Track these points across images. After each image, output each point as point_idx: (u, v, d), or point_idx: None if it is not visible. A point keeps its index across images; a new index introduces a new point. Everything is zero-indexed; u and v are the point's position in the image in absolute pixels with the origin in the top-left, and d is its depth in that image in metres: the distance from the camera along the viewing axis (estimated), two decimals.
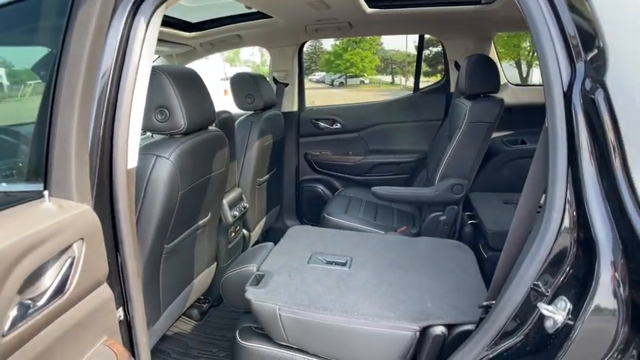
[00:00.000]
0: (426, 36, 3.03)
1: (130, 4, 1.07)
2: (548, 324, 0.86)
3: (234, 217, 2.12)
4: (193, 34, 2.64)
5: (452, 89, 2.79)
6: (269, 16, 2.42)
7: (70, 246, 0.85)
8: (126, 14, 1.07)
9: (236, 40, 2.80)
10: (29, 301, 0.76)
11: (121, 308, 1.18)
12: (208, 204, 1.79)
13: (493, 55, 2.72)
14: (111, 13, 1.04)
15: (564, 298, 0.89)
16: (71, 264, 0.85)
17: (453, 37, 2.75)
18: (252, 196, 2.38)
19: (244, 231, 2.38)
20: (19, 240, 0.73)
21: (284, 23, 2.53)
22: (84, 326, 0.91)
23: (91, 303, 0.93)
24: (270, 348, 1.36)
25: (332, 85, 22.35)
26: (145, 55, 1.14)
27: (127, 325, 1.19)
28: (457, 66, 2.72)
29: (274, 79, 2.93)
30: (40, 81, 1.23)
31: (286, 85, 2.92)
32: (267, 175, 2.58)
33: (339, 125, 3.01)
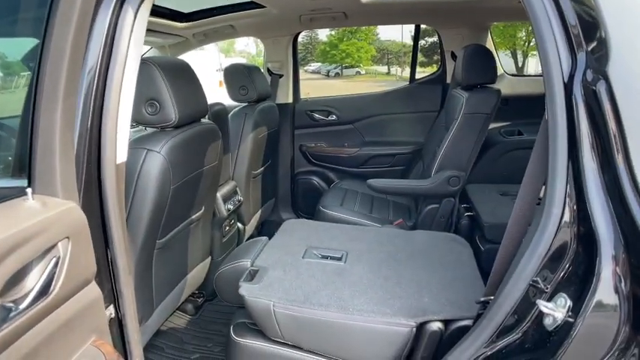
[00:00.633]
0: (422, 26, 2.99)
1: None
2: (548, 321, 0.84)
3: (229, 210, 2.09)
4: (185, 24, 2.58)
5: (448, 80, 2.76)
6: (262, 6, 2.37)
7: (54, 245, 0.82)
8: (113, 3, 1.03)
9: (229, 30, 2.75)
10: (11, 304, 0.74)
11: (112, 306, 1.15)
12: (201, 198, 1.76)
13: (489, 45, 2.68)
14: (96, 3, 1.00)
15: (564, 294, 0.87)
16: (56, 264, 0.82)
17: (449, 27, 2.71)
18: (246, 189, 2.35)
19: (239, 224, 2.35)
20: None
21: (277, 13, 2.48)
22: (71, 327, 0.88)
23: (78, 303, 0.90)
24: (264, 344, 1.34)
25: (328, 75, 22.21)
26: (134, 45, 1.10)
27: (119, 323, 1.17)
28: (453, 56, 2.69)
29: (268, 71, 2.89)
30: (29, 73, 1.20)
31: (281, 76, 2.88)
32: (262, 168, 2.56)
33: (334, 117, 2.98)
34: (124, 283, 1.15)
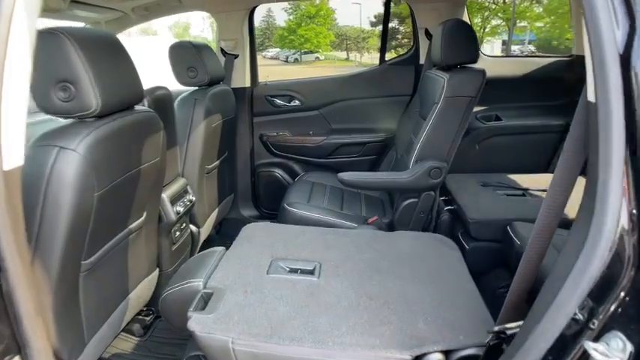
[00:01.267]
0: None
1: None
2: None
3: (178, 213, 1.78)
4: None
5: (422, 61, 2.53)
6: None
7: None
8: None
9: (175, 3, 2.39)
10: None
11: (17, 357, 0.84)
12: (142, 202, 1.45)
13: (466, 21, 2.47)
14: None
15: (620, 335, 0.66)
16: None
17: (423, 1, 2.47)
18: (199, 186, 2.04)
19: (192, 227, 2.05)
20: None
21: None
22: None
23: None
24: None
25: (286, 61, 21.81)
26: (24, 5, 0.78)
27: None
28: (428, 34, 2.46)
29: (222, 50, 2.56)
30: None
31: (236, 56, 2.55)
32: (218, 162, 2.25)
33: (297, 102, 2.69)
34: (30, 327, 0.84)
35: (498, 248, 1.92)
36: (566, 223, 0.92)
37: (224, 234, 2.70)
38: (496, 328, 0.90)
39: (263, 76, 2.77)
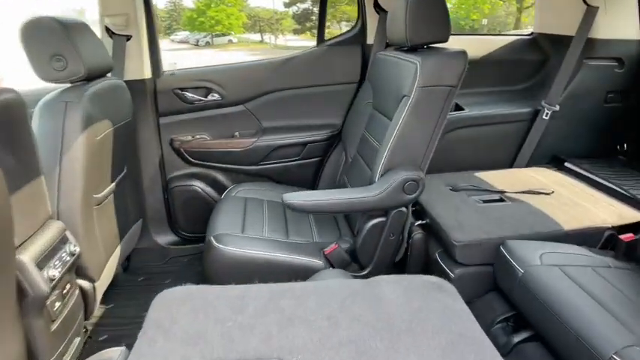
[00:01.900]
0: None
1: None
2: None
3: (53, 279, 1.17)
4: None
5: (370, 40, 2.08)
6: None
7: None
8: None
9: None
10: None
11: None
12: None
13: None
14: None
15: None
16: None
17: None
18: (87, 226, 1.42)
19: (83, 284, 1.43)
20: None
21: None
22: None
23: None
24: None
25: (197, 44, 20.43)
26: None
27: None
28: (377, 7, 2.00)
29: (107, 30, 1.89)
30: None
31: (128, 38, 1.90)
32: (112, 185, 1.62)
33: (216, 96, 2.11)
34: None
35: (489, 272, 1.57)
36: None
37: (134, 270, 2.08)
38: None
39: (169, 64, 2.15)
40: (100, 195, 1.50)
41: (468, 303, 1.11)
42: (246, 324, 0.96)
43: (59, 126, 1.32)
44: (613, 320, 1.14)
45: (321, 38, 2.13)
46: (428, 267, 1.80)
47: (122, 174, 1.72)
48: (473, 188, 1.92)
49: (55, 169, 1.32)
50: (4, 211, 0.93)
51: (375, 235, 1.58)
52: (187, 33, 21.35)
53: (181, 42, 20.96)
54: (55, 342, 1.24)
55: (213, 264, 1.48)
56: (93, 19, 1.87)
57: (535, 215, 1.69)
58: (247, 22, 21.96)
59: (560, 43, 2.27)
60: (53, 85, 1.44)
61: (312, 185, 2.25)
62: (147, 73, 1.98)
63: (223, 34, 20.68)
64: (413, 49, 1.60)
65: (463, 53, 1.45)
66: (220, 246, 1.47)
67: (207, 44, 20.54)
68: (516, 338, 1.43)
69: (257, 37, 21.83)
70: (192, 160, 2.11)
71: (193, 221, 2.17)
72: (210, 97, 2.10)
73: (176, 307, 1.02)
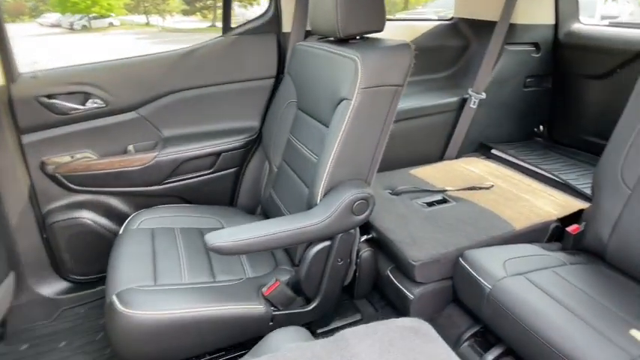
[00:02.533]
0: None
1: None
2: None
3: None
4: None
5: (286, 28, 1.78)
6: None
7: None
8: None
9: None
10: None
11: None
12: None
13: None
14: None
15: None
16: None
17: None
18: None
19: None
20: None
21: None
22: None
23: None
24: None
25: (72, 28, 18.11)
26: None
27: None
28: None
29: None
30: None
31: None
32: None
33: (99, 102, 1.65)
34: None
35: (448, 286, 1.43)
36: None
37: (14, 336, 1.61)
38: None
39: (25, 64, 1.65)
40: None
41: (430, 321, 0.95)
42: None
43: None
44: (597, 335, 1.06)
45: (227, 26, 1.77)
46: (376, 284, 1.61)
47: None
48: (413, 190, 1.77)
49: None
50: None
51: (320, 263, 1.33)
52: (59, 15, 18.85)
53: (53, 26, 18.43)
54: None
55: (120, 334, 1.12)
56: None
57: (484, 216, 1.58)
58: (130, 3, 20.01)
59: (481, 28, 2.19)
60: None
61: (231, 201, 1.92)
62: None
63: (102, 17, 18.59)
64: (344, 41, 1.35)
65: (407, 46, 1.23)
66: (127, 311, 1.11)
67: (85, 28, 18.34)
68: (489, 356, 1.31)
69: (142, 19, 20.00)
70: (75, 187, 1.65)
71: (86, 261, 1.73)
72: (90, 105, 1.64)
73: None
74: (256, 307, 1.24)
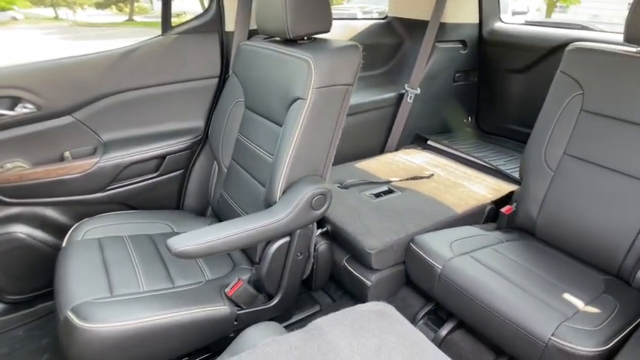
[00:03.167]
0: None
1: None
2: None
3: None
4: None
5: (229, 27, 1.76)
6: None
7: None
8: None
9: None
10: None
11: None
12: None
13: None
14: None
15: None
16: None
17: None
18: None
19: None
20: None
21: None
22: None
23: None
24: None
25: None
26: None
27: None
28: None
29: None
30: None
31: None
32: None
33: (30, 106, 1.52)
34: None
35: (401, 270, 1.53)
36: None
37: None
38: None
39: None
40: None
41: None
42: None
43: None
44: (535, 301, 1.20)
45: (167, 24, 1.71)
46: (333, 275, 1.67)
47: None
48: (361, 183, 1.85)
49: None
50: None
51: (280, 259, 1.36)
52: None
53: None
54: None
55: (81, 351, 1.07)
56: None
57: (428, 203, 1.69)
58: None
59: (413, 26, 2.32)
60: None
61: (178, 204, 1.88)
62: None
63: (3, 10, 16.89)
64: (292, 41, 1.38)
65: (356, 47, 1.29)
66: (86, 325, 1.06)
67: None
68: (443, 331, 1.42)
69: (49, 12, 18.45)
70: (7, 200, 1.52)
71: (23, 279, 1.61)
72: (20, 109, 1.51)
73: None
74: (220, 308, 1.24)
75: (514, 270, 1.33)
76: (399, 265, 1.53)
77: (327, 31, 1.36)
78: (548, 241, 1.51)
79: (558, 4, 11.44)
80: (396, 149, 2.32)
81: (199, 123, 1.82)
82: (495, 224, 1.69)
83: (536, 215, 1.52)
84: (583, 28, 2.26)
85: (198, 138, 1.81)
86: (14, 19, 16.84)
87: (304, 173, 1.29)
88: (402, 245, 1.49)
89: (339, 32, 2.14)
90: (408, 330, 0.98)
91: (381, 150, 2.34)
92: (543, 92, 1.59)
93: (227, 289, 1.27)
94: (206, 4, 1.79)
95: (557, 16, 11.30)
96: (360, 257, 1.50)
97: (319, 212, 1.29)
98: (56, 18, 17.83)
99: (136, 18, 15.94)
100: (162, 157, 1.75)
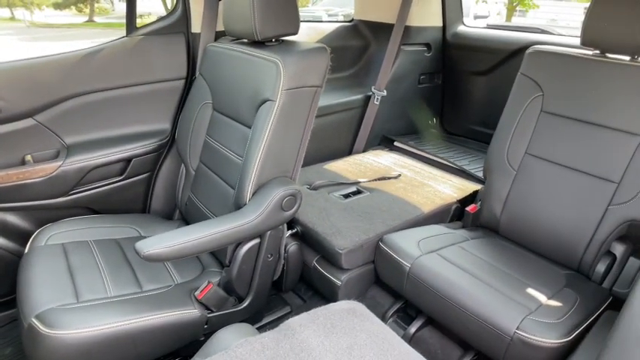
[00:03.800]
0: None
1: None
2: None
3: None
4: None
5: (195, 29, 1.74)
6: None
7: None
8: None
9: None
10: None
11: None
12: None
13: None
14: None
15: None
16: None
17: None
18: None
19: None
20: None
21: None
22: None
23: None
24: None
25: None
26: None
27: None
28: None
29: None
30: None
31: None
32: None
33: None
34: None
35: (370, 269, 1.55)
36: None
37: None
38: None
39: None
40: None
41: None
42: None
43: None
44: (500, 296, 1.24)
45: (131, 25, 1.68)
46: (302, 276, 1.68)
47: None
48: (330, 184, 1.86)
49: None
50: None
51: (251, 260, 1.36)
52: None
53: None
54: None
55: (46, 359, 1.04)
56: None
57: (396, 203, 1.73)
58: None
59: (379, 29, 2.36)
60: None
61: (144, 208, 1.85)
62: None
63: None
64: (260, 43, 1.39)
65: (324, 49, 1.31)
66: (52, 332, 1.03)
67: None
68: (412, 328, 1.46)
69: (5, 12, 17.64)
70: None
71: None
72: None
73: None
74: (191, 312, 1.23)
75: (479, 267, 1.37)
76: (368, 264, 1.55)
77: (294, 33, 1.38)
78: (512, 238, 1.57)
79: (518, 8, 11.87)
80: (364, 150, 2.36)
81: (166, 125, 1.80)
82: (461, 222, 1.74)
83: (500, 213, 1.58)
84: (542, 31, 2.36)
85: (165, 140, 1.78)
86: None
87: (274, 174, 1.30)
88: (371, 245, 1.51)
89: (306, 34, 2.16)
90: (379, 327, 1.00)
91: (349, 151, 2.37)
92: (505, 94, 1.65)
93: (197, 293, 1.26)
94: (170, 6, 1.77)
95: (517, 20, 11.73)
96: (330, 257, 1.52)
97: (289, 213, 1.30)
98: (12, 18, 17.10)
99: (97, 19, 15.45)
100: (127, 160, 1.71)
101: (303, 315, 1.02)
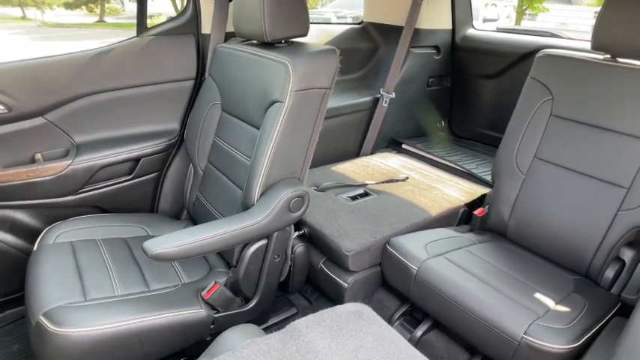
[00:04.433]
0: None
1: None
2: None
3: None
4: None
5: (205, 30, 1.75)
6: None
7: None
8: None
9: None
10: None
11: None
12: None
13: None
14: None
15: None
16: None
17: None
18: None
19: None
20: None
21: None
22: None
23: None
24: None
25: None
26: None
27: None
28: None
29: None
30: None
31: None
32: None
33: (0, 108, 1.50)
34: None
35: (377, 272, 1.55)
36: None
37: None
38: None
39: None
40: None
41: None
42: None
43: None
44: (508, 300, 1.23)
45: (142, 26, 1.70)
46: (309, 278, 1.68)
47: None
48: (337, 186, 1.86)
49: None
50: None
51: (258, 261, 1.36)
52: None
53: None
54: None
55: (55, 356, 1.05)
56: None
57: (404, 206, 1.72)
58: None
59: (388, 32, 2.37)
60: None
61: (152, 207, 1.86)
62: None
63: None
64: (269, 44, 1.39)
65: (334, 51, 1.31)
66: (60, 330, 1.04)
67: None
68: (419, 332, 1.45)
69: (17, 11, 17.84)
70: None
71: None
72: None
73: None
74: (197, 312, 1.23)
75: (487, 271, 1.37)
76: (375, 266, 1.55)
77: (304, 34, 1.38)
78: (520, 242, 1.56)
79: (527, 11, 11.81)
80: (372, 152, 2.35)
81: (174, 125, 1.81)
82: (469, 226, 1.73)
83: (508, 217, 1.57)
84: (552, 35, 2.35)
85: (174, 140, 1.79)
86: None
87: (282, 176, 1.30)
88: (378, 247, 1.51)
89: (315, 36, 2.17)
90: (385, 330, 1.00)
91: (357, 153, 2.37)
92: (514, 97, 1.64)
93: (203, 293, 1.27)
94: (180, 7, 1.78)
95: (526, 24, 11.66)
96: (337, 259, 1.52)
97: (297, 215, 1.30)
98: (24, 18, 17.30)
99: (107, 19, 15.58)
100: (136, 160, 1.72)
101: (310, 317, 1.02)
